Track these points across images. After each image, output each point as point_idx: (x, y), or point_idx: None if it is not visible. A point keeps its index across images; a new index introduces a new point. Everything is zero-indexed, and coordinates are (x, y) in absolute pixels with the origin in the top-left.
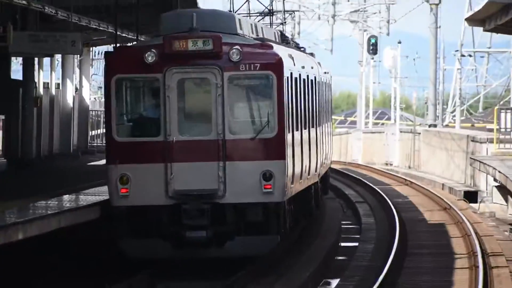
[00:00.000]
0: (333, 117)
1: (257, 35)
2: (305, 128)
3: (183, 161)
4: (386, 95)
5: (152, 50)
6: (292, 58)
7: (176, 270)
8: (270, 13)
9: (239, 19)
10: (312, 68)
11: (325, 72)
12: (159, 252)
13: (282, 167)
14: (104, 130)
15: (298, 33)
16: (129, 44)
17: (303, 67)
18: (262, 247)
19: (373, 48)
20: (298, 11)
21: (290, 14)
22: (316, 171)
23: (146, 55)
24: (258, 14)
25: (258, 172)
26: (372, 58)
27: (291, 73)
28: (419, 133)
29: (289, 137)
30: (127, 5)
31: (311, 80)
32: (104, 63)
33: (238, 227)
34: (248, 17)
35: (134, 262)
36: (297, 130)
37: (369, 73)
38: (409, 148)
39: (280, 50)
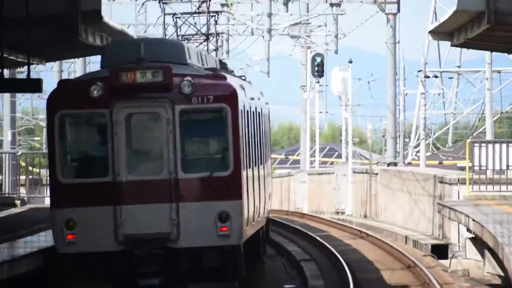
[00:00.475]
0: (272, 155)
1: (203, 64)
2: (255, 166)
3: (133, 203)
4: (336, 127)
5: (98, 83)
6: (244, 89)
7: None
8: (207, 37)
9: (188, 48)
10: (258, 99)
11: (266, 103)
12: None
13: (239, 208)
14: (48, 171)
15: (227, 52)
16: (72, 78)
17: (252, 99)
18: None
19: (319, 70)
20: (227, 24)
21: (219, 34)
22: (264, 213)
23: (92, 88)
24: (196, 39)
25: (214, 213)
26: (318, 82)
27: (244, 106)
28: (376, 174)
29: (244, 174)
30: (15, 21)
31: (258, 113)
32: (46, 99)
33: (193, 273)
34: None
35: None
36: (249, 167)
37: (314, 100)
38: (364, 192)
39: (233, 81)
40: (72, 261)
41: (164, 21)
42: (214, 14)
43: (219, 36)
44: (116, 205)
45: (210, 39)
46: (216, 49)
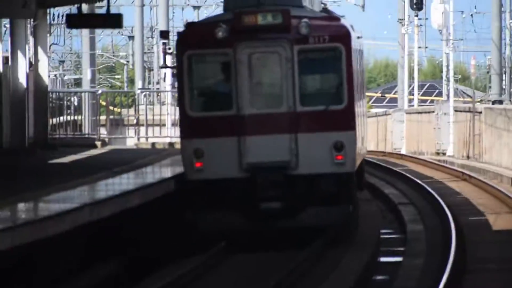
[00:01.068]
0: (367, 93)
1: (312, 6)
2: (360, 102)
3: (255, 134)
4: (436, 63)
5: (222, 25)
6: (353, 29)
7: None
8: None
9: None
10: (359, 37)
11: (358, 37)
12: (233, 224)
13: (353, 138)
14: (177, 105)
15: None
16: (198, 21)
17: (358, 38)
18: (334, 218)
19: (418, 2)
20: None
21: None
22: (365, 148)
23: (216, 30)
24: None
25: (330, 143)
26: (417, 15)
27: (354, 45)
28: (480, 112)
29: (355, 108)
30: None
31: (360, 51)
32: (176, 40)
33: (310, 198)
34: None
35: (207, 235)
36: (358, 102)
37: (412, 34)
38: (467, 132)
39: (346, 22)
40: (199, 188)
41: None
42: None
43: None
44: (240, 136)
45: None
46: None
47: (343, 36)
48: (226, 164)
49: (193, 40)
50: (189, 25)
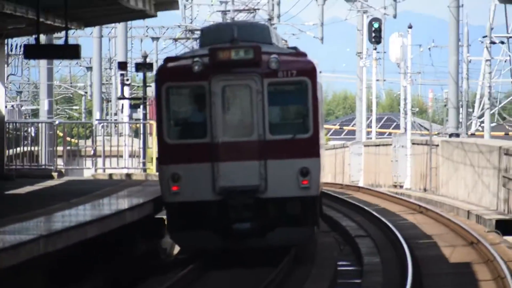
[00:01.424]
0: (325, 126)
1: (278, 43)
2: (321, 132)
3: (228, 161)
4: (394, 96)
5: (198, 60)
6: (317, 65)
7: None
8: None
9: (270, 29)
10: (319, 72)
11: (319, 71)
12: (209, 242)
13: (318, 164)
14: (155, 134)
15: (278, 17)
16: (176, 55)
17: (320, 72)
18: (300, 238)
19: (376, 36)
20: None
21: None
22: (323, 176)
23: (193, 64)
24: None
25: (296, 169)
26: (375, 49)
27: (318, 79)
28: (437, 145)
29: (319, 137)
30: None
31: (321, 84)
32: (155, 73)
33: (278, 220)
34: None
35: (186, 252)
36: (320, 132)
37: (371, 67)
38: (424, 165)
39: (311, 58)
40: (176, 210)
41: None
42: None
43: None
44: (213, 162)
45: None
46: (270, 19)
47: (310, 70)
48: (201, 187)
49: (171, 73)
50: (168, 59)
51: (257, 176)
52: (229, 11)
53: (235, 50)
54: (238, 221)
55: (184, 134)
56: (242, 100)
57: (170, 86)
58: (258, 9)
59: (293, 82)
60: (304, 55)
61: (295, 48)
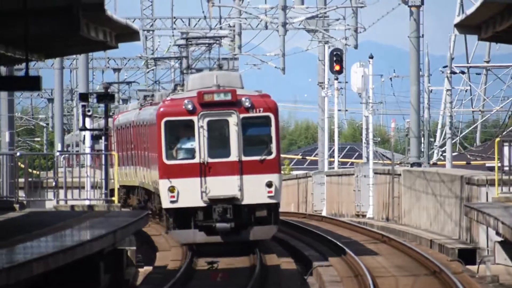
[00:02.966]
0: (288, 156)
1: (243, 87)
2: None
3: (213, 176)
4: (356, 126)
5: (189, 100)
6: (277, 104)
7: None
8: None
9: (241, 77)
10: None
11: None
12: (197, 238)
13: (279, 179)
14: (156, 156)
15: (239, 47)
16: (173, 97)
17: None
18: (267, 234)
19: (338, 66)
20: (239, 18)
21: (230, 27)
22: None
23: (185, 104)
24: (205, 44)
25: (264, 182)
26: (337, 78)
27: (279, 114)
28: (399, 175)
29: (280, 159)
30: (13, 14)
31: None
32: (156, 111)
33: (250, 220)
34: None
35: (181, 245)
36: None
37: (333, 97)
38: (386, 194)
39: (273, 99)
40: (173, 214)
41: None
42: (218, 38)
43: (228, 26)
44: (202, 177)
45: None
46: (233, 58)
47: (273, 108)
48: (192, 196)
49: (169, 111)
50: (165, 100)
51: (235, 188)
52: (190, 43)
53: (217, 93)
54: (220, 222)
55: (178, 156)
56: (222, 130)
57: (167, 120)
58: (220, 38)
59: (261, 117)
60: (268, 96)
61: (260, 91)
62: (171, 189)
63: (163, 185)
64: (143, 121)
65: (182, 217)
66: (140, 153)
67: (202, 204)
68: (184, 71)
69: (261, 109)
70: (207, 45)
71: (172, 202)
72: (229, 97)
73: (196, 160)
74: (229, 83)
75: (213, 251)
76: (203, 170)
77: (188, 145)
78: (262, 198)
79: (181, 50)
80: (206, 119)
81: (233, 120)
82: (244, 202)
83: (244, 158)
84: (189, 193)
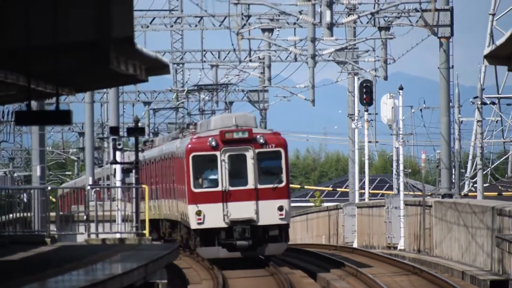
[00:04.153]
0: (319, 187)
1: (256, 126)
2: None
3: (233, 201)
4: (387, 157)
5: (212, 139)
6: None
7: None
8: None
9: (256, 118)
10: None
11: None
12: (220, 254)
13: (289, 203)
14: (181, 185)
15: (269, 80)
16: (200, 135)
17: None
18: (278, 250)
19: (367, 97)
20: (269, 50)
21: (259, 59)
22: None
23: (209, 141)
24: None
25: (276, 206)
26: (367, 110)
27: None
28: (430, 206)
29: (289, 186)
30: (43, 50)
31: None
32: (185, 147)
33: (265, 238)
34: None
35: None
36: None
37: (363, 129)
38: (417, 225)
39: (282, 136)
40: (199, 233)
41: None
42: (225, 86)
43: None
44: (224, 202)
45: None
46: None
47: (283, 144)
48: (216, 219)
49: (196, 147)
50: (192, 138)
51: (252, 211)
52: (200, 89)
53: (236, 132)
54: (239, 240)
55: (204, 185)
56: (241, 163)
57: (194, 155)
58: (227, 86)
59: (273, 151)
60: (279, 134)
61: (271, 129)
62: (198, 213)
63: (192, 210)
64: (166, 155)
65: (207, 236)
66: (165, 186)
67: (224, 225)
68: (190, 113)
69: (273, 145)
70: (215, 90)
71: (199, 223)
72: (246, 135)
73: (219, 188)
74: (245, 123)
75: (245, 284)
76: (225, 197)
77: (212, 176)
78: (274, 220)
79: (188, 96)
80: (227, 154)
81: (250, 154)
82: (260, 223)
83: (259, 186)
84: (213, 216)
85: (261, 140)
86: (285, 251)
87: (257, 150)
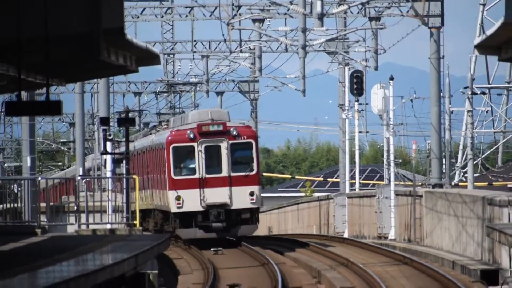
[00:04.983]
0: (310, 178)
1: (229, 120)
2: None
3: (209, 187)
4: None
5: (191, 131)
6: (256, 132)
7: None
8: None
9: (229, 113)
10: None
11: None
12: (197, 235)
13: (259, 189)
14: (162, 173)
15: (260, 70)
16: (179, 128)
17: (259, 136)
18: (250, 231)
19: (358, 87)
20: (259, 41)
21: (250, 49)
22: None
23: (188, 133)
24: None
25: (248, 192)
26: (357, 101)
27: (258, 140)
28: (421, 196)
29: (259, 174)
30: (33, 41)
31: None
32: (165, 138)
33: (237, 221)
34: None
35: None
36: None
37: (353, 119)
38: (408, 215)
39: (254, 128)
40: (179, 216)
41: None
42: (195, 84)
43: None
44: (201, 188)
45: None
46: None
47: (254, 135)
48: (193, 203)
49: (175, 138)
50: (172, 130)
51: (226, 196)
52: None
53: (211, 125)
54: (215, 222)
55: (183, 173)
56: (216, 153)
57: (174, 146)
58: (196, 84)
59: (245, 142)
60: (250, 126)
61: (243, 122)
62: (178, 198)
63: (172, 195)
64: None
65: (186, 219)
66: (154, 176)
67: (201, 209)
68: (161, 112)
69: (245, 137)
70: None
71: (178, 207)
72: (221, 128)
73: (196, 175)
74: (219, 117)
75: (235, 274)
76: (202, 183)
77: (190, 164)
78: (246, 204)
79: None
80: (204, 145)
81: (224, 145)
82: (233, 207)
83: (232, 174)
84: (191, 200)
85: (234, 132)
86: (276, 240)
87: (230, 142)
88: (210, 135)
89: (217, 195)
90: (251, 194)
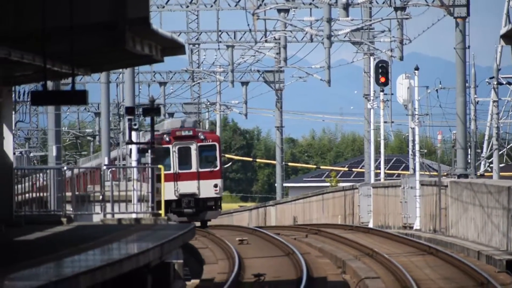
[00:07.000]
0: (335, 168)
1: (197, 126)
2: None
3: (181, 181)
4: (403, 138)
5: (166, 136)
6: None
7: None
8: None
9: (197, 121)
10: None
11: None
12: (172, 219)
13: (221, 182)
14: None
15: (285, 60)
16: (158, 134)
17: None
18: (215, 215)
19: (383, 78)
20: (284, 31)
21: (275, 39)
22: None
23: (164, 137)
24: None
25: (212, 184)
26: (382, 90)
27: (221, 143)
28: (446, 186)
29: (222, 169)
30: (58, 31)
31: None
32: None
33: (204, 207)
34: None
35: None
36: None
37: (378, 109)
38: (433, 205)
39: (217, 134)
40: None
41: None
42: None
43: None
44: (175, 181)
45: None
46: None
47: (217, 139)
48: (169, 193)
49: (156, 141)
50: (153, 136)
51: (195, 188)
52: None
53: (183, 130)
54: (186, 208)
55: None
56: (187, 153)
57: (154, 148)
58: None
59: (210, 145)
60: (214, 132)
61: (208, 130)
62: (158, 190)
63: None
64: None
65: (165, 206)
66: None
67: (175, 198)
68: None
69: (210, 140)
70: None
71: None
72: (191, 133)
73: (171, 171)
74: (189, 124)
75: (260, 263)
76: (176, 177)
77: (167, 162)
78: (211, 194)
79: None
80: (177, 146)
81: (193, 147)
82: (201, 196)
83: (200, 170)
84: (167, 191)
85: (202, 137)
86: (300, 230)
87: (198, 144)
88: (182, 139)
89: (188, 186)
90: (215, 186)
